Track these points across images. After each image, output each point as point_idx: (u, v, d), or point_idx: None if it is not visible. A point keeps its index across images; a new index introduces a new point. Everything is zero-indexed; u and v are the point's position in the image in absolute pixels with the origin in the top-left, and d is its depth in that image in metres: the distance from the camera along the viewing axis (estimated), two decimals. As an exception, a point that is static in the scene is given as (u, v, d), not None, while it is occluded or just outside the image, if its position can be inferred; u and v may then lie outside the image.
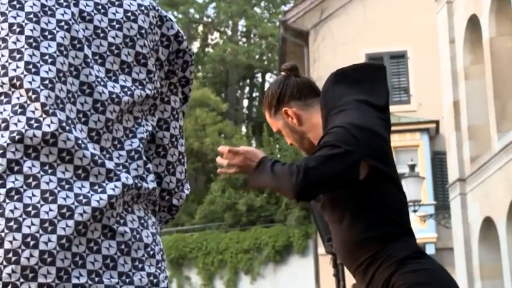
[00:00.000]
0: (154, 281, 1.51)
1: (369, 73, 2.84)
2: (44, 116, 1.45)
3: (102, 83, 1.52)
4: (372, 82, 2.79)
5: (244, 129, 34.36)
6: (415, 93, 20.49)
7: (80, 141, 1.46)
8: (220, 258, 21.02)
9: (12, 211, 1.41)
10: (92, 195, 1.45)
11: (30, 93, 1.45)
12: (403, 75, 20.96)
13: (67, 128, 1.46)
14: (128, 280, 1.47)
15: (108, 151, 1.51)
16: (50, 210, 1.42)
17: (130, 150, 1.54)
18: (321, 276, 19.51)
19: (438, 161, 19.40)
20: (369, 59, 20.90)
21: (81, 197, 1.44)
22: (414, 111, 19.48)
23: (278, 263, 20.63)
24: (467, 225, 14.61)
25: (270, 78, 39.23)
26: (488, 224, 13.77)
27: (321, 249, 18.38)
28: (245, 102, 38.83)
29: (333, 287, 6.22)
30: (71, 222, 1.42)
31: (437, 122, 19.14)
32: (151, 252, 1.52)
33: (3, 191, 1.42)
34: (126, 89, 1.55)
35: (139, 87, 1.57)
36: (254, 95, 39.33)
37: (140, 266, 1.49)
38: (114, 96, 1.52)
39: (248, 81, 39.03)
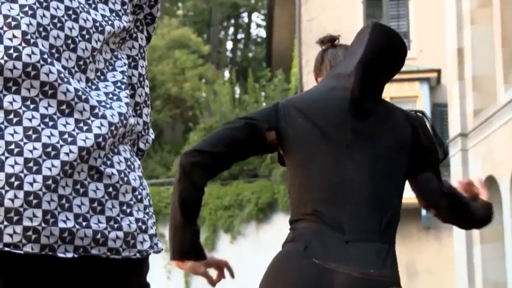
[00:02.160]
0: (143, 227, 1.55)
1: None
2: (24, 45, 1.46)
3: (85, 10, 1.55)
4: None
5: (227, 74, 34.26)
6: (415, 38, 20.43)
7: (62, 75, 1.48)
8: (198, 215, 21.13)
9: None
10: (77, 133, 1.47)
11: (8, 20, 1.46)
12: (403, 18, 20.88)
13: (49, 59, 1.47)
14: (116, 225, 1.51)
15: (93, 82, 1.54)
16: (34, 148, 1.44)
17: (116, 81, 1.58)
18: (307, 237, 19.65)
19: (438, 114, 19.43)
20: (366, 0, 20.78)
21: (66, 135, 1.46)
22: (414, 59, 19.44)
23: (261, 221, 20.74)
24: (467, 185, 14.66)
25: (256, 18, 39.05)
26: (490, 183, 13.82)
27: (308, 207, 18.47)
28: (229, 45, 38.68)
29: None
30: (56, 162, 1.44)
31: (438, 71, 19.12)
32: (139, 197, 1.56)
33: None
34: (106, 19, 1.59)
35: (117, 18, 1.61)
36: (239, 36, 39.15)
37: (128, 210, 1.53)
38: (97, 24, 1.56)
39: (233, 21, 38.81)
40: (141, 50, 1.70)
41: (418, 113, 3.01)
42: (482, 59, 14.46)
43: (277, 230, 20.47)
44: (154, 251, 1.58)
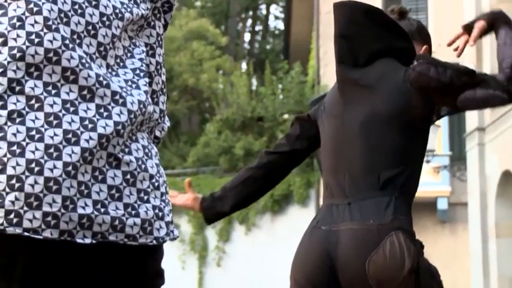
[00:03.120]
0: (160, 214, 1.57)
1: None
2: (45, 30, 1.46)
3: None
4: None
5: (244, 65, 34.24)
6: (434, 32, 20.31)
7: (84, 60, 1.49)
8: (213, 206, 21.12)
9: (14, 135, 1.43)
10: (97, 120, 1.48)
11: (30, 5, 1.47)
12: (422, 12, 20.80)
13: (70, 45, 1.48)
14: (133, 212, 1.52)
15: (113, 68, 1.55)
16: (55, 135, 1.45)
17: (135, 69, 1.59)
18: (322, 229, 19.63)
19: (456, 108, 19.35)
20: (384, -7, 20.73)
21: (86, 122, 1.47)
22: (433, 52, 19.36)
23: (276, 213, 20.74)
24: (484, 179, 14.64)
25: (275, 10, 39.01)
26: (507, 178, 13.79)
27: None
28: (247, 36, 38.63)
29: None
30: (77, 149, 1.45)
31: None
32: (156, 184, 1.57)
33: (4, 112, 1.44)
34: (125, 5, 1.59)
35: (135, 5, 1.62)
36: (257, 28, 39.11)
37: (146, 197, 1.55)
38: (117, 11, 1.57)
39: (251, 13, 38.76)
40: (159, 38, 1.71)
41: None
42: (500, 54, 14.39)
43: (292, 222, 20.48)
44: (170, 238, 1.60)
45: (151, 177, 1.57)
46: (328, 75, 20.57)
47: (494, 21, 3.13)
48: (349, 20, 3.03)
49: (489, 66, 14.56)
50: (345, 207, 2.91)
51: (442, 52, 19.70)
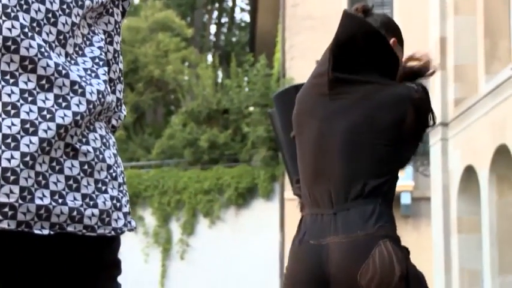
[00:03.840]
0: (117, 204, 1.56)
1: None
2: (4, 18, 1.44)
3: None
4: None
5: (210, 58, 34.19)
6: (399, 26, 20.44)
7: (43, 49, 1.47)
8: (177, 198, 21.10)
9: None
10: (56, 110, 1.47)
11: None
12: (387, 6, 20.89)
13: (29, 33, 1.46)
14: (91, 203, 1.52)
15: (72, 57, 1.54)
16: (13, 124, 1.43)
17: (94, 57, 1.57)
18: (286, 222, 19.69)
19: (420, 103, 19.47)
20: (351, -13, 20.78)
21: (45, 112, 1.46)
22: (397, 47, 19.47)
23: (240, 206, 20.75)
24: (446, 174, 14.76)
25: (241, 2, 38.97)
26: (469, 173, 13.92)
27: (288, 194, 18.48)
28: (213, 28, 38.58)
29: (298, 233, 6.25)
30: (35, 139, 1.44)
31: (421, 60, 19.16)
32: (114, 174, 1.57)
33: None
34: None
35: None
36: (223, 20, 39.05)
37: (103, 188, 1.54)
38: None
39: (217, 5, 38.69)
40: (117, 26, 1.69)
41: (415, 86, 3.15)
42: (464, 49, 14.52)
43: (256, 216, 20.51)
44: (128, 229, 1.59)
45: (109, 167, 1.56)
46: (293, 68, 20.60)
47: None
48: (352, 33, 3.06)
49: (452, 58, 14.68)
50: (331, 218, 2.96)
51: (406, 47, 19.70)
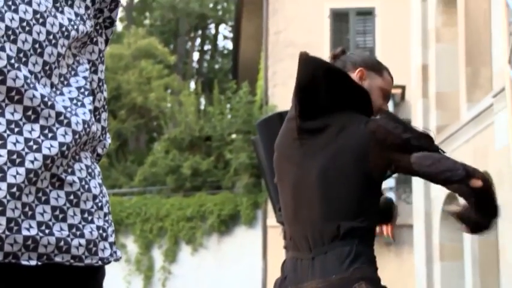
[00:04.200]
0: (104, 234, 1.56)
1: None
2: None
3: (52, 14, 1.54)
4: None
5: (193, 85, 34.24)
6: (381, 54, 20.57)
7: (29, 80, 1.47)
8: (159, 226, 21.04)
9: None
10: (42, 140, 1.47)
11: None
12: (369, 34, 21.04)
13: (16, 64, 1.46)
14: (78, 233, 1.51)
15: (57, 87, 1.54)
16: (0, 155, 1.42)
17: (79, 87, 1.57)
18: (268, 250, 19.66)
19: (402, 130, 19.55)
20: (333, 15, 20.93)
21: (31, 143, 1.46)
22: (379, 75, 19.58)
23: (223, 233, 20.71)
24: (429, 202, 14.81)
25: (224, 30, 39.09)
26: (451, 201, 13.92)
27: (270, 221, 18.48)
28: (195, 56, 38.67)
29: (281, 260, 6.23)
30: (21, 170, 1.43)
31: (403, 88, 19.28)
32: (100, 204, 1.57)
33: None
34: (72, 23, 1.57)
35: (81, 22, 1.60)
36: (206, 47, 39.17)
37: (90, 218, 1.54)
38: (64, 29, 1.55)
39: (200, 32, 38.82)
40: (101, 55, 1.70)
41: (380, 115, 3.17)
42: (446, 77, 14.62)
43: (239, 243, 20.47)
44: (114, 259, 1.60)
45: (95, 197, 1.56)
46: (276, 95, 20.66)
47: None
48: (312, 75, 3.09)
49: (434, 86, 14.77)
50: (309, 263, 3.01)
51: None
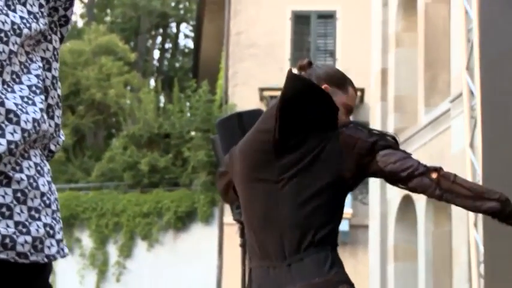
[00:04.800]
0: (51, 232, 1.56)
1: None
2: None
3: (3, 12, 1.53)
4: None
5: (153, 82, 34.15)
6: (341, 57, 20.72)
7: None
8: (115, 221, 20.97)
9: None
10: None
11: None
12: (330, 37, 21.16)
13: None
14: (24, 230, 1.50)
15: (9, 85, 1.52)
16: None
17: (31, 85, 1.56)
18: (224, 247, 19.67)
19: (360, 133, 19.68)
20: (295, 17, 21.02)
21: None
22: (339, 78, 19.68)
23: (179, 230, 20.70)
24: (385, 203, 14.93)
25: (185, 28, 39.03)
26: (406, 202, 14.10)
27: (227, 219, 18.49)
28: (156, 54, 38.56)
29: (237, 258, 6.27)
30: None
31: (362, 90, 19.42)
32: (48, 202, 1.56)
33: None
34: (25, 21, 1.56)
35: (34, 20, 1.59)
36: (167, 46, 39.09)
37: (37, 215, 1.53)
38: (16, 27, 1.53)
39: (161, 30, 38.73)
40: (55, 52, 1.69)
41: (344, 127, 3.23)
42: (405, 81, 14.76)
43: (195, 240, 20.46)
44: (61, 256, 1.59)
45: (43, 195, 1.55)
46: (236, 95, 20.70)
47: None
48: (297, 91, 3.15)
49: (393, 89, 14.90)
50: (285, 270, 3.05)
51: (349, 77, 19.88)
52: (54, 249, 1.56)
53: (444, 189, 3.09)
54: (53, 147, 1.68)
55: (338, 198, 3.15)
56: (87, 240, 21.02)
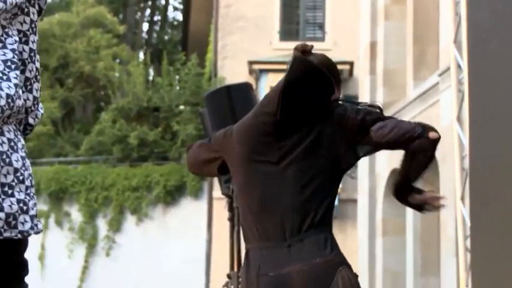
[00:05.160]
0: (24, 208, 1.55)
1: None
2: None
3: None
4: None
5: (142, 55, 34.00)
6: (330, 30, 20.66)
7: None
8: (105, 195, 20.95)
9: None
10: None
11: None
12: (319, 9, 21.07)
13: None
14: None
15: None
16: None
17: (6, 60, 1.55)
18: (213, 221, 19.70)
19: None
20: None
21: None
22: (328, 50, 19.65)
23: (168, 204, 20.70)
24: (373, 177, 14.95)
25: (174, 1, 38.83)
26: (395, 176, 14.09)
27: (216, 193, 18.49)
28: (145, 26, 38.38)
29: (226, 232, 6.27)
30: None
31: (351, 64, 19.38)
32: (21, 178, 1.55)
33: None
34: None
35: None
36: (156, 18, 38.89)
37: (10, 191, 1.52)
38: None
39: (150, 2, 38.51)
40: (33, 25, 1.66)
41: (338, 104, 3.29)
42: (394, 54, 14.73)
43: (184, 214, 20.47)
44: (35, 232, 1.58)
45: (16, 170, 1.54)
46: (225, 68, 20.63)
47: None
48: (302, 73, 3.19)
49: (382, 63, 14.87)
50: (285, 250, 3.10)
51: (338, 50, 19.97)
52: (28, 225, 1.56)
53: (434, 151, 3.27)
54: (31, 121, 1.67)
55: (335, 180, 3.22)
56: (76, 214, 21.01)
